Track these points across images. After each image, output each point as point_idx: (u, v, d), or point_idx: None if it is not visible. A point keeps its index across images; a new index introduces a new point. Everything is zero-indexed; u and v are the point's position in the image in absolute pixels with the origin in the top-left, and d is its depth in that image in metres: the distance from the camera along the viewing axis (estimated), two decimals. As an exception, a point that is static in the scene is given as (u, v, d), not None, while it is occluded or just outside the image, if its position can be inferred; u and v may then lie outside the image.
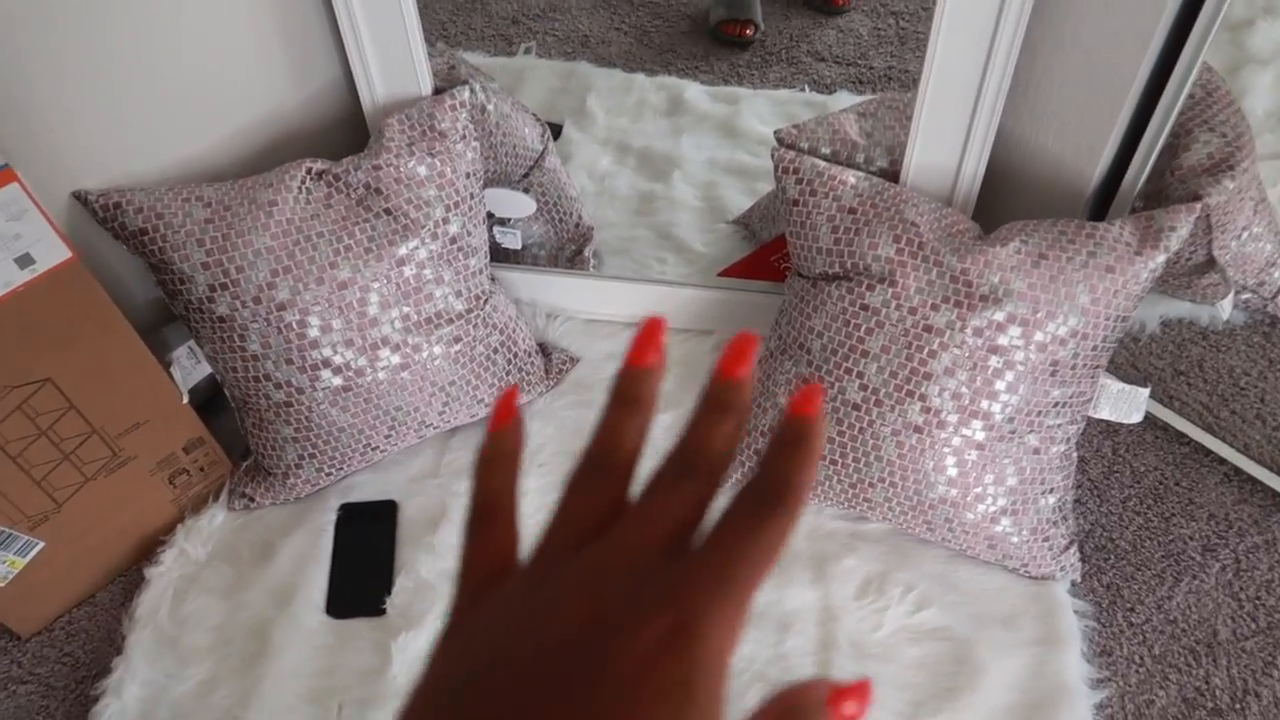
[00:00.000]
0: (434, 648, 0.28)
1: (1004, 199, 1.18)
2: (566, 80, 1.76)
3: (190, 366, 1.14)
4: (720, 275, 1.37)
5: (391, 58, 1.13)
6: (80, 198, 1.06)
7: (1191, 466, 1.24)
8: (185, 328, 1.13)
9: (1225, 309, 1.27)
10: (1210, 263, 1.19)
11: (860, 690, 0.27)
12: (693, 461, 0.28)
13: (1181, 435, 1.26)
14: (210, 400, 1.25)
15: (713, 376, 0.29)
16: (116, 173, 1.09)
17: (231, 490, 1.21)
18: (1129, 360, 1.32)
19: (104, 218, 1.05)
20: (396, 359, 1.12)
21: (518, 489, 0.32)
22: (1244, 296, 1.28)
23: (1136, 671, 1.07)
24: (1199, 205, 1.06)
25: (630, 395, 0.30)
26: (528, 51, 1.82)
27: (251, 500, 1.20)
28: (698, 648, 0.24)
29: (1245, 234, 1.20)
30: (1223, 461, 1.24)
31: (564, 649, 0.25)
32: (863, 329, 1.06)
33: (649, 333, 0.30)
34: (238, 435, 1.20)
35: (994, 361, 1.03)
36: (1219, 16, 0.95)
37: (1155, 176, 1.11)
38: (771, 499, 0.27)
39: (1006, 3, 0.96)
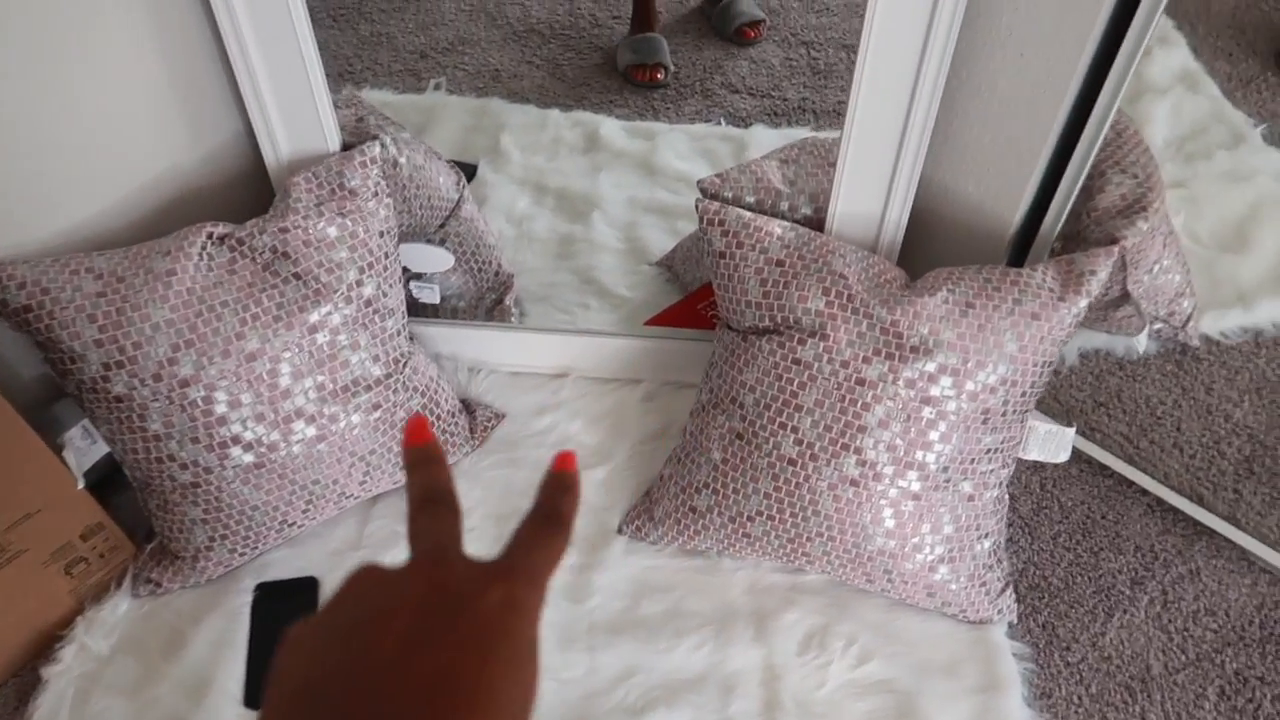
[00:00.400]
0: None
1: (928, 244, 1.18)
2: (479, 118, 1.71)
3: (85, 448, 1.06)
4: (647, 324, 1.34)
5: (295, 113, 1.08)
6: (-46, 274, 0.97)
7: (1116, 499, 1.26)
8: (78, 406, 1.05)
9: (1141, 342, 1.30)
10: (1125, 297, 1.22)
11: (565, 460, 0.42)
12: (441, 497, 0.40)
13: (1105, 467, 1.29)
14: (108, 477, 1.16)
15: (405, 448, 0.42)
16: (-5, 245, 1.01)
17: (135, 576, 1.13)
18: (1050, 393, 1.33)
19: (-19, 295, 0.97)
20: (312, 431, 1.06)
21: (453, 482, 0.41)
22: (1156, 326, 1.31)
23: (1076, 712, 1.08)
24: (1117, 248, 1.08)
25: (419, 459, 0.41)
26: (437, 88, 1.77)
27: (158, 585, 1.12)
28: (522, 612, 0.35)
29: (1156, 268, 1.23)
30: (1145, 493, 1.26)
31: (424, 609, 0.33)
32: (795, 383, 1.05)
33: (416, 425, 0.42)
34: (141, 513, 1.12)
35: (927, 412, 1.02)
36: (1133, 64, 0.97)
37: (1072, 218, 1.13)
38: (556, 524, 0.39)
39: (926, 54, 0.96)
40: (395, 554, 1.16)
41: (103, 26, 0.99)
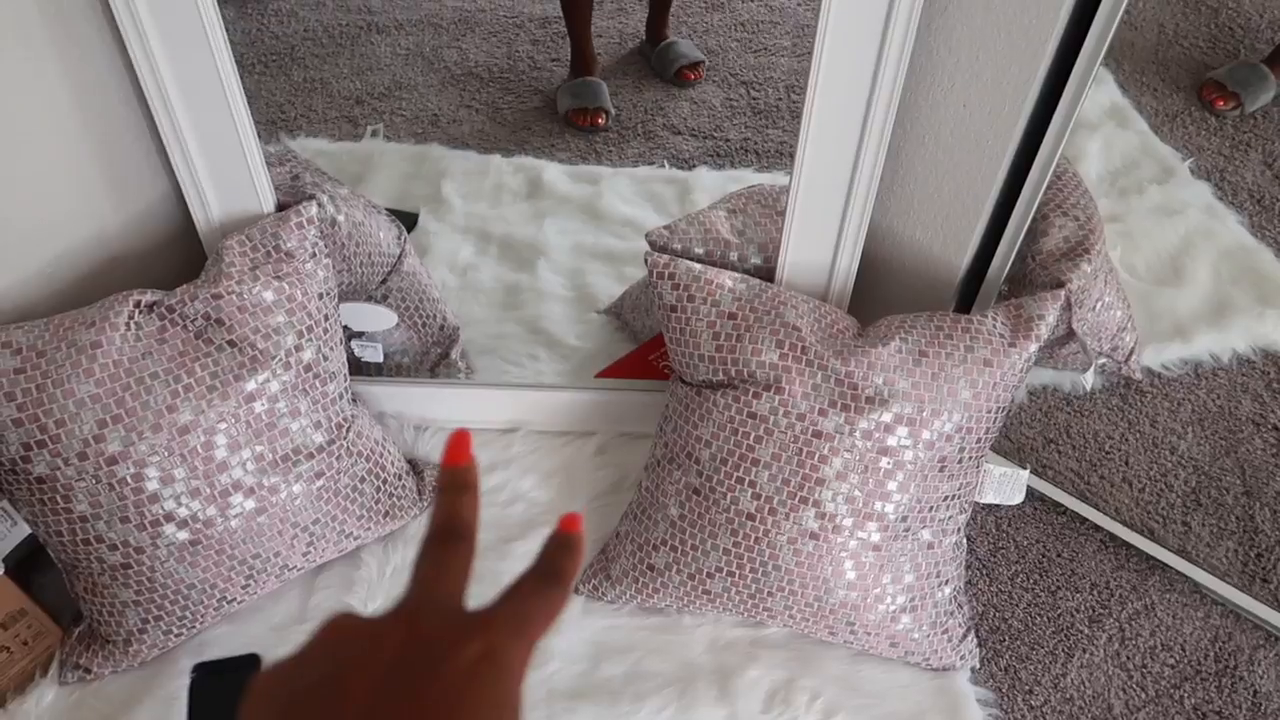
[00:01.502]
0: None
1: (877, 290, 1.18)
2: (419, 165, 1.68)
3: (5, 531, 1.00)
4: (598, 376, 1.32)
5: (226, 172, 1.03)
6: None
7: (1070, 536, 1.27)
8: (-3, 488, 0.99)
9: (1088, 379, 1.31)
10: (1070, 335, 1.23)
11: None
12: (455, 531, 0.38)
13: (1058, 504, 1.29)
14: (30, 555, 1.10)
15: (443, 468, 0.40)
16: (-98, 320, 0.95)
17: (63, 662, 1.06)
18: (1001, 431, 1.34)
19: (-112, 375, 0.91)
20: (251, 504, 1.01)
21: (478, 515, 0.39)
22: (1100, 361, 1.33)
23: (1042, 758, 1.07)
24: (1063, 292, 1.08)
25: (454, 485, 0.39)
26: (375, 134, 1.73)
27: (87, 671, 1.05)
28: (502, 667, 0.33)
29: (1099, 304, 1.24)
30: (1098, 528, 1.27)
31: (399, 662, 0.32)
32: (752, 437, 1.03)
33: (458, 440, 0.40)
34: (66, 595, 1.06)
35: (884, 463, 1.01)
36: (1075, 113, 0.98)
37: (1018, 261, 1.13)
38: (554, 580, 0.37)
39: (873, 104, 0.96)
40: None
41: (14, 86, 0.94)
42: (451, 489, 0.39)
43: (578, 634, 1.13)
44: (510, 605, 0.36)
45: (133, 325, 0.97)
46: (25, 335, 0.94)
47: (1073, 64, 0.94)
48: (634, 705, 1.07)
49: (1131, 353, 1.35)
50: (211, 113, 0.99)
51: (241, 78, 0.99)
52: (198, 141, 1.01)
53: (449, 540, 0.37)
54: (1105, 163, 1.44)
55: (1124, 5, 0.89)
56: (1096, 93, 1.23)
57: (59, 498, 0.95)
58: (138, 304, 0.98)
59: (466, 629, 0.34)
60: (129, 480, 0.95)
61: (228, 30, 0.96)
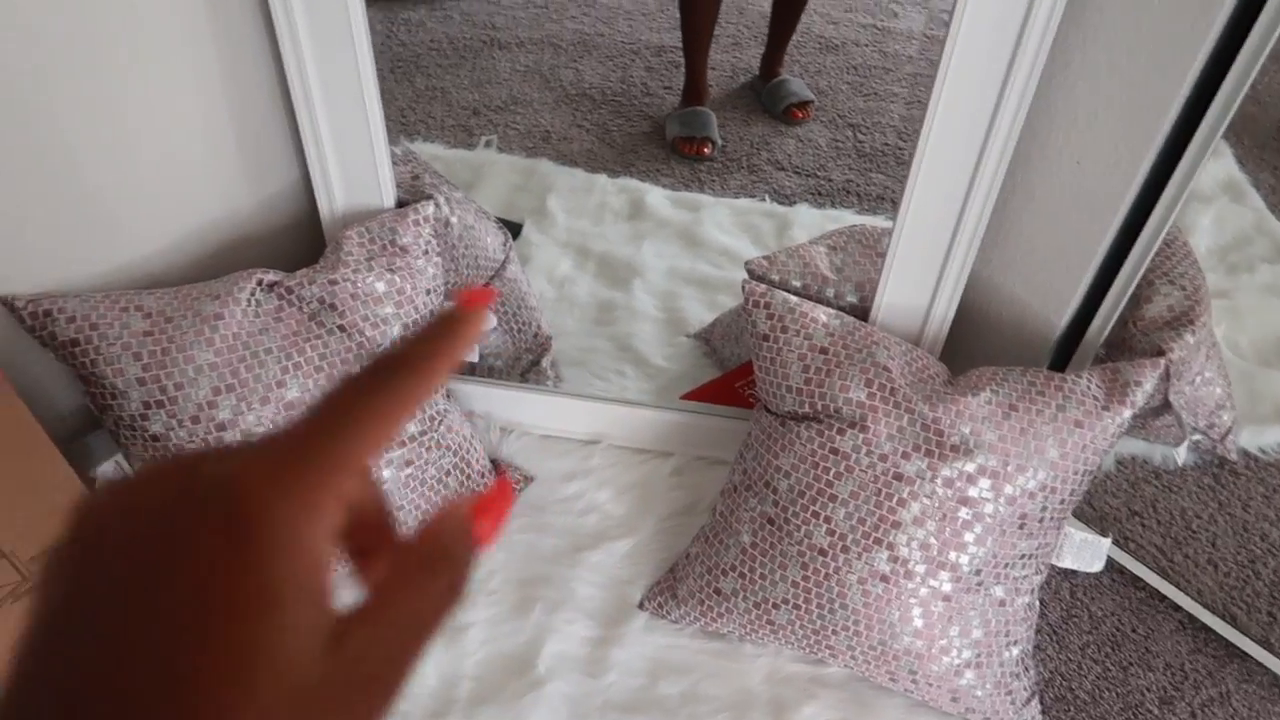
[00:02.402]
0: None
1: (971, 340, 1.18)
2: (527, 178, 1.73)
3: (116, 483, 1.06)
4: (683, 398, 1.34)
5: (354, 167, 1.09)
6: (7, 303, 0.98)
7: (1148, 613, 1.23)
8: (114, 442, 1.05)
9: (1180, 454, 1.28)
10: (1166, 406, 1.20)
11: (499, 494, 0.29)
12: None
13: (1138, 579, 1.26)
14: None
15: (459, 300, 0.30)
16: (51, 277, 1.02)
17: (152, 614, 1.12)
18: (1086, 498, 1.31)
19: (32, 325, 0.98)
20: (342, 483, 1.06)
21: (442, 375, 0.28)
22: (1195, 438, 1.29)
23: (1099, 835, 1.04)
24: (1163, 360, 1.07)
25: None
26: (488, 145, 1.79)
27: (173, 626, 1.11)
28: (297, 505, 0.24)
29: (1198, 379, 1.21)
30: (1177, 608, 1.23)
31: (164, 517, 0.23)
32: (832, 473, 1.04)
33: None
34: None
35: (963, 513, 1.01)
36: (1189, 184, 0.97)
37: (1118, 325, 1.12)
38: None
39: (984, 156, 0.97)
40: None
41: (173, 69, 1.01)
42: (443, 332, 0.28)
43: (639, 649, 1.14)
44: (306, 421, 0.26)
45: (253, 302, 1.02)
46: (156, 301, 1.01)
47: (1193, 133, 0.93)
48: (687, 726, 1.08)
49: (1228, 432, 1.31)
50: (348, 110, 1.05)
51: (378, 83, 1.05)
52: (332, 136, 1.07)
53: (390, 374, 0.27)
54: (1216, 237, 1.41)
55: (1250, 79, 0.88)
56: (1213, 166, 1.21)
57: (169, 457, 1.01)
58: (260, 282, 1.03)
59: (249, 453, 0.25)
60: (234, 447, 1.00)
61: (370, 34, 1.01)
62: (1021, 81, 0.91)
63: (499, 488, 0.29)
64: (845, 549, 1.04)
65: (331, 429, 0.25)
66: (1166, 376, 1.12)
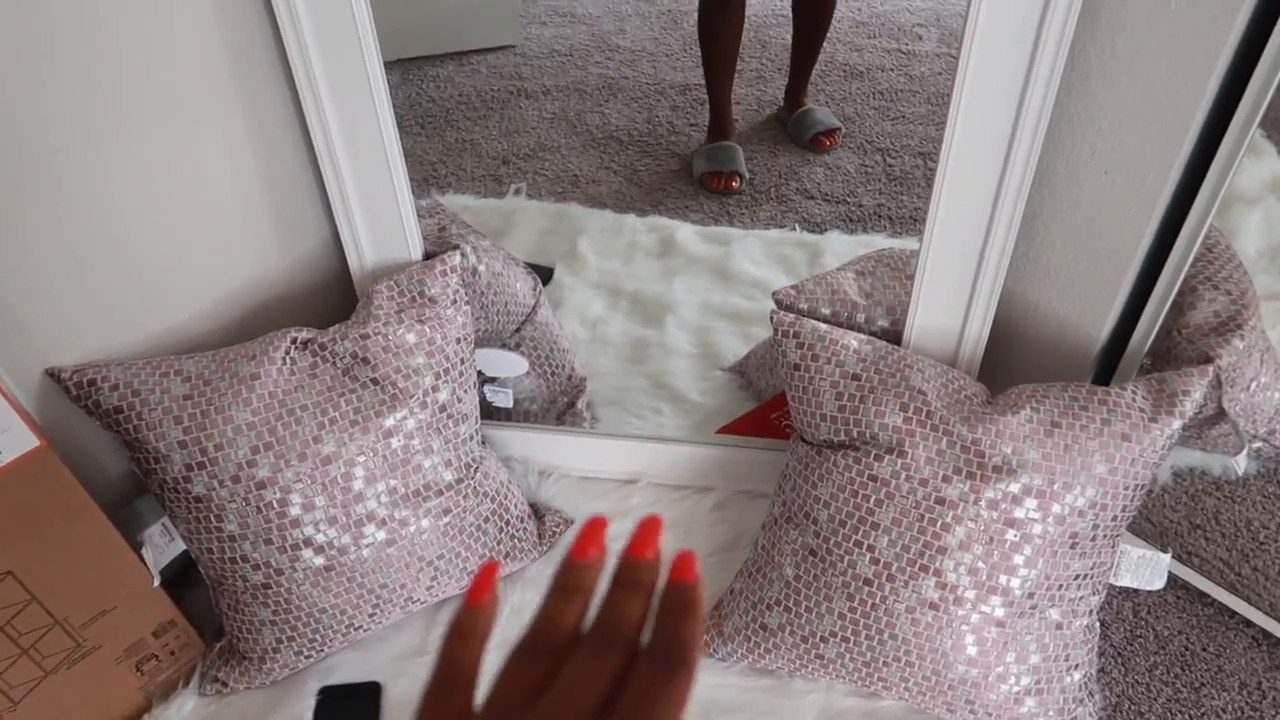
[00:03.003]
0: None
1: (1009, 359, 1.15)
2: (557, 222, 1.75)
3: (163, 545, 1.08)
4: (719, 432, 1.33)
5: (381, 224, 1.11)
6: (53, 375, 1.01)
7: (1217, 630, 1.18)
8: (159, 504, 1.07)
9: (1240, 463, 1.24)
10: (1221, 415, 1.16)
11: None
12: (613, 636, 0.33)
13: (1204, 595, 1.21)
14: (182, 572, 1.18)
15: (622, 557, 0.34)
16: (92, 347, 1.05)
17: (203, 675, 1.13)
18: (1143, 513, 1.27)
19: (77, 395, 1.01)
20: (382, 535, 1.06)
21: (482, 663, 0.35)
22: (1255, 445, 1.25)
23: None
24: (1211, 368, 1.03)
25: (571, 586, 0.35)
26: (518, 193, 1.81)
27: (224, 685, 1.12)
28: None
29: (1254, 385, 1.17)
30: (1249, 624, 1.18)
31: None
32: (872, 500, 1.02)
33: (591, 531, 0.35)
34: (211, 610, 1.13)
35: (1011, 535, 0.98)
36: (1225, 183, 0.95)
37: (1162, 335, 1.09)
38: (672, 660, 0.32)
39: (1008, 171, 0.95)
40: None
41: (204, 139, 1.04)
42: (628, 584, 0.34)
43: (687, 689, 1.12)
44: (637, 713, 0.31)
45: (288, 360, 1.04)
46: (194, 365, 1.03)
47: (1225, 130, 0.91)
48: (740, 767, 1.06)
49: (1291, 438, 1.27)
50: (372, 168, 1.07)
51: (400, 137, 1.07)
52: (358, 194, 1.09)
53: (609, 646, 0.33)
54: (1265, 238, 1.37)
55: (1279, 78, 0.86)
56: (1256, 165, 1.18)
57: (212, 516, 1.02)
58: (294, 340, 1.05)
59: None
60: (275, 504, 1.02)
61: (390, 94, 1.04)
62: (1040, 93, 0.90)
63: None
64: (891, 578, 1.01)
65: None
66: (1218, 384, 1.08)
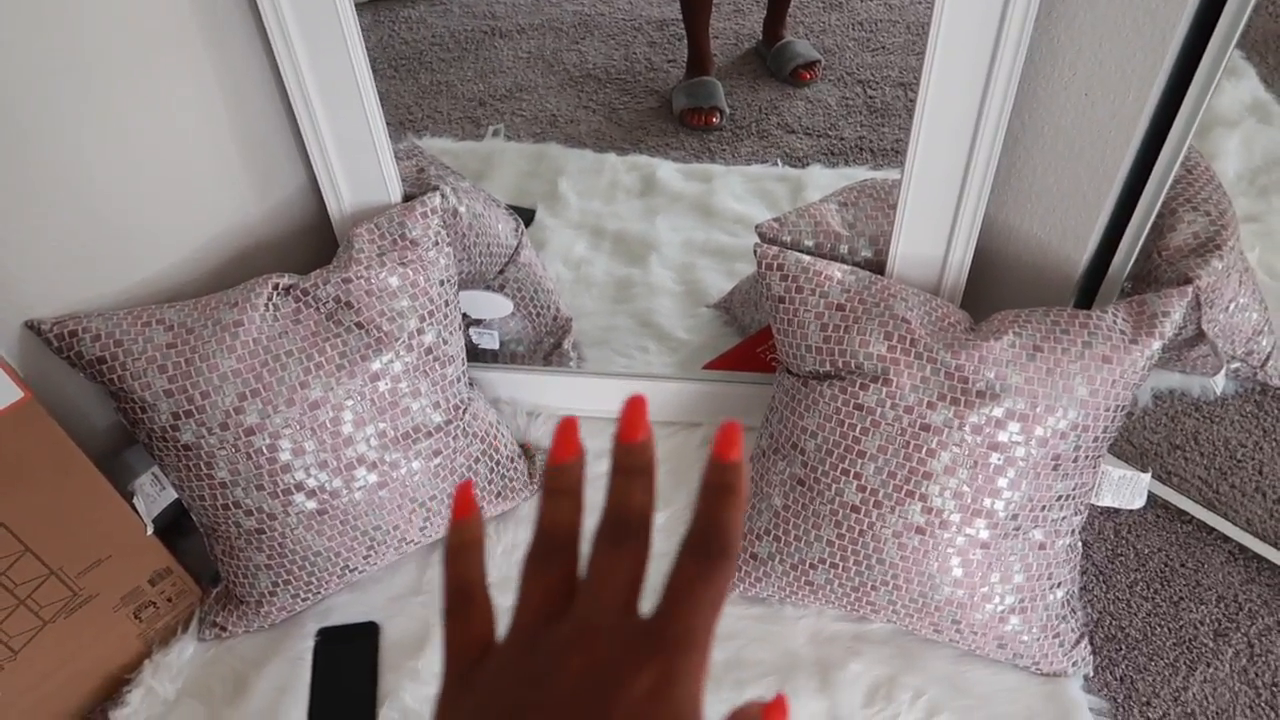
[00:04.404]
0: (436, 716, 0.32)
1: (991, 285, 1.16)
2: (537, 163, 1.73)
3: (155, 494, 1.08)
4: (706, 368, 1.33)
5: (358, 166, 1.10)
6: (34, 327, 1.00)
7: (1196, 546, 1.21)
8: (148, 454, 1.07)
9: (1219, 383, 1.26)
10: (1200, 336, 1.18)
11: (779, 706, 0.32)
12: (625, 526, 0.33)
13: (1183, 513, 1.24)
14: (176, 521, 1.19)
15: (615, 444, 0.34)
16: (72, 299, 1.04)
17: (201, 620, 1.14)
18: (1124, 435, 1.29)
19: (59, 347, 1.00)
20: (374, 478, 1.07)
21: (486, 573, 0.36)
22: (1233, 366, 1.27)
23: (1159, 773, 1.03)
24: (1190, 289, 1.04)
25: (558, 488, 0.34)
26: (496, 134, 1.79)
27: (223, 630, 1.13)
28: (680, 690, 0.29)
29: (1232, 305, 1.18)
30: (1227, 539, 1.21)
31: (568, 701, 0.29)
32: (858, 429, 1.03)
33: (565, 431, 0.35)
34: (206, 558, 1.14)
35: (994, 458, 1.00)
36: (1204, 103, 0.94)
37: (1143, 257, 1.10)
38: (712, 550, 0.31)
39: (988, 95, 0.95)
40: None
41: (172, 85, 1.03)
42: (626, 470, 0.33)
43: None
44: (679, 608, 0.31)
45: (271, 306, 1.04)
46: (176, 313, 1.02)
47: (1203, 49, 0.90)
48: (734, 691, 1.08)
49: (1269, 358, 1.28)
50: (347, 110, 1.06)
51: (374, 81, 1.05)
52: (334, 137, 1.08)
53: (622, 536, 0.32)
54: (1245, 160, 1.37)
55: (1259, -12, 0.85)
56: (1236, 88, 1.18)
57: (202, 464, 1.03)
58: (276, 286, 1.04)
59: (641, 649, 0.30)
60: (264, 450, 1.02)
61: (362, 33, 1.02)
62: (1020, 15, 0.89)
63: (777, 704, 0.33)
64: (878, 504, 1.03)
65: (698, 621, 0.31)
66: (1197, 305, 1.09)
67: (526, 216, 1.60)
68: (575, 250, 1.56)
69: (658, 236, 1.57)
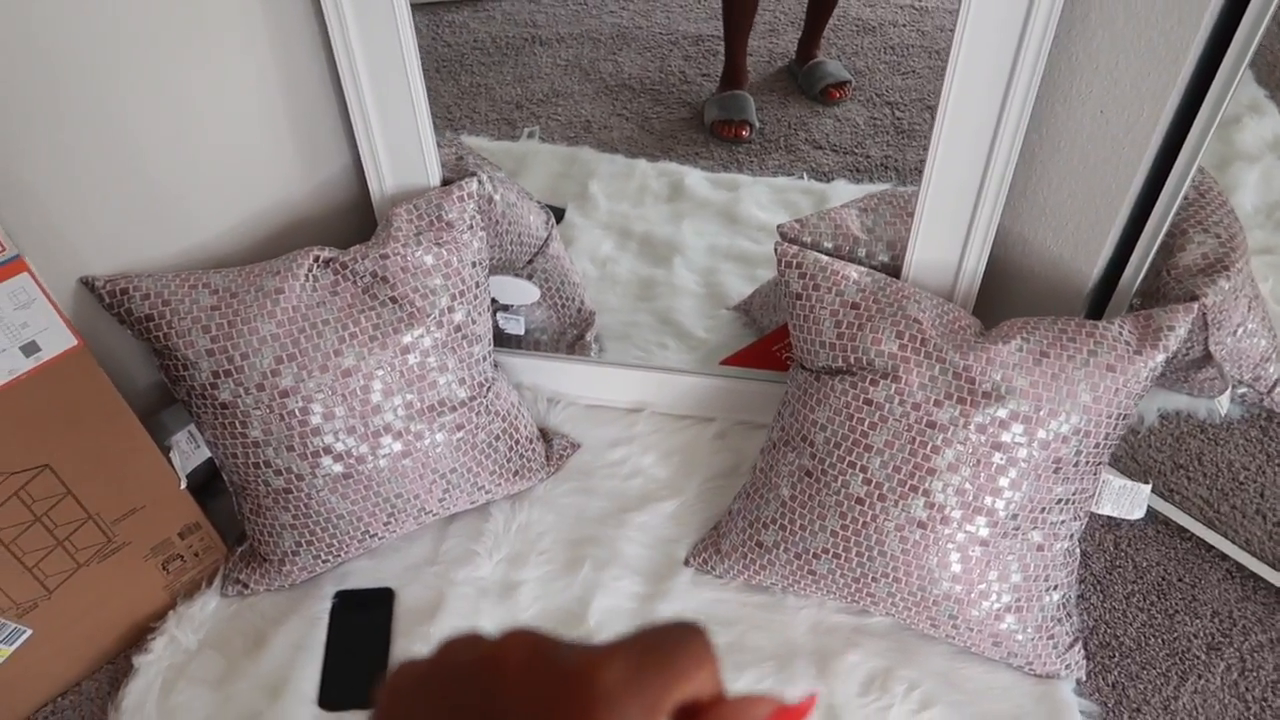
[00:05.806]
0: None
1: (1004, 294, 1.19)
2: (569, 165, 1.78)
3: (190, 451, 1.13)
4: (722, 364, 1.37)
5: (401, 149, 1.15)
6: (88, 283, 1.06)
7: (1194, 562, 1.24)
8: (186, 412, 1.12)
9: (1223, 405, 1.28)
10: (1207, 358, 1.21)
11: (802, 708, 0.28)
12: None
13: (1183, 530, 1.26)
14: (207, 483, 1.24)
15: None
16: (125, 259, 1.10)
17: (226, 576, 1.19)
18: (1128, 453, 1.32)
19: (110, 303, 1.05)
20: (398, 446, 1.12)
21: None
22: (1240, 391, 1.29)
23: (1145, 776, 1.05)
24: (1196, 305, 1.07)
25: None
26: (531, 136, 1.85)
27: (245, 587, 1.18)
28: (646, 698, 0.26)
29: (1240, 330, 1.21)
30: (1225, 557, 1.23)
31: (528, 672, 0.27)
32: (866, 423, 1.07)
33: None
34: (234, 519, 1.19)
35: (997, 458, 1.03)
36: (1214, 124, 0.98)
37: (1152, 274, 1.13)
38: (693, 631, 0.28)
39: (1005, 110, 0.99)
40: (469, 570, 1.20)
41: (232, 64, 1.09)
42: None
43: (685, 603, 1.18)
44: (647, 637, 0.28)
45: (311, 277, 1.09)
46: (222, 279, 1.08)
47: (1214, 73, 0.94)
48: (733, 674, 1.11)
49: (1276, 385, 1.31)
50: (394, 94, 1.11)
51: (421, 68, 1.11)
52: (380, 120, 1.13)
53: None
54: (1263, 195, 1.40)
55: (1270, 13, 0.89)
56: (1259, 125, 1.21)
57: (237, 423, 1.08)
58: (317, 259, 1.10)
59: (599, 652, 0.28)
60: (296, 413, 1.07)
61: (413, 20, 1.07)
62: (1039, 32, 0.93)
63: (804, 704, 0.29)
64: (882, 497, 1.06)
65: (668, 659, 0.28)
66: (1204, 325, 1.12)
67: (557, 214, 1.65)
68: (602, 249, 1.61)
69: (683, 240, 1.62)
